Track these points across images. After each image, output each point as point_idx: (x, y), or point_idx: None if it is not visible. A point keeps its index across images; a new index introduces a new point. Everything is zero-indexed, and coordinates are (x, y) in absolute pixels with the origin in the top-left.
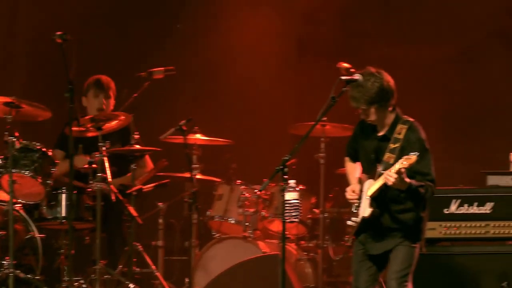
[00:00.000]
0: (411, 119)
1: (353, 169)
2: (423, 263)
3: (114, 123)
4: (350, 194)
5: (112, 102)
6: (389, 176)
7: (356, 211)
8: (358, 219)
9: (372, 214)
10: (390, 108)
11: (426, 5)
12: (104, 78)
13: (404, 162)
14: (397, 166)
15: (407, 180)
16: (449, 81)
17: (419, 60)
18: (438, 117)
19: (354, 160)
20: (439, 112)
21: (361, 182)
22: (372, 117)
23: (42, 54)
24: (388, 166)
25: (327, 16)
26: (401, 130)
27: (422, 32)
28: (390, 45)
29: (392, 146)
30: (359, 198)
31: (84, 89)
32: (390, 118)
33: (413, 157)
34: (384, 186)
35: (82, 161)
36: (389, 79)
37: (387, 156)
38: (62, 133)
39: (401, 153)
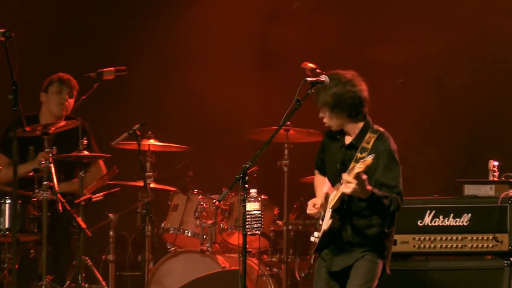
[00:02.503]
0: (381, 129)
1: (321, 183)
2: (395, 279)
3: (62, 123)
4: (310, 208)
5: (72, 103)
6: (348, 182)
7: (319, 226)
8: (319, 234)
9: (332, 226)
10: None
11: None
12: (69, 76)
13: (361, 166)
14: (355, 170)
15: (369, 187)
16: (423, 86)
17: (393, 61)
18: (411, 122)
19: (323, 173)
20: (413, 117)
21: (327, 197)
22: (329, 121)
23: None
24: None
25: (294, 15)
26: (370, 139)
27: (396, 33)
28: (363, 46)
29: (359, 155)
30: (324, 212)
31: (44, 85)
32: (358, 126)
33: (369, 159)
34: (347, 198)
35: (29, 168)
36: (355, 89)
37: (353, 165)
38: (6, 136)
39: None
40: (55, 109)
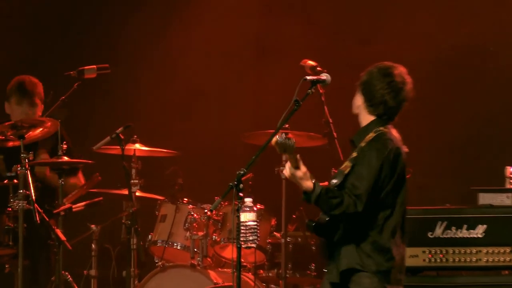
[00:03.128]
0: (385, 129)
1: None
2: None
3: (38, 131)
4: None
5: (39, 109)
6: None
7: None
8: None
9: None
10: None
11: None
12: (29, 81)
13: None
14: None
15: (308, 182)
16: (435, 90)
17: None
18: (422, 126)
19: None
20: (423, 121)
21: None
22: (355, 101)
23: None
24: (341, 177)
25: (289, 11)
26: (368, 139)
27: (399, 31)
28: (362, 44)
29: (353, 154)
30: None
31: (6, 94)
32: (366, 121)
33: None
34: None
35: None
36: (399, 92)
37: (345, 165)
38: None
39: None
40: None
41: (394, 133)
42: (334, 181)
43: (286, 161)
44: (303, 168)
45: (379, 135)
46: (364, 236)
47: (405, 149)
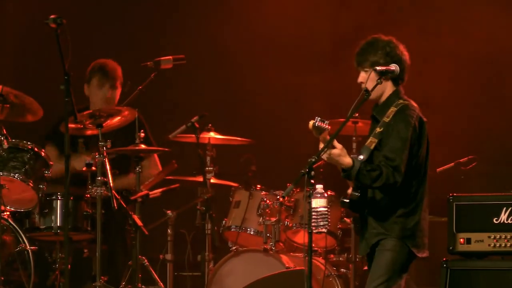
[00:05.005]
0: (405, 101)
1: None
2: (470, 280)
3: (116, 119)
4: None
5: (118, 92)
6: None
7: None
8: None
9: (351, 198)
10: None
11: None
12: (111, 64)
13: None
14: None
15: (346, 159)
16: (504, 79)
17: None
18: (490, 114)
19: None
20: (491, 110)
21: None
22: (369, 84)
23: (34, 41)
24: (367, 152)
25: (361, 2)
26: (390, 114)
27: (461, 26)
28: (433, 36)
29: (378, 130)
30: None
31: (86, 76)
32: (385, 96)
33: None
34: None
35: (81, 162)
36: (402, 50)
37: (370, 140)
38: (56, 125)
39: (382, 139)
40: (99, 105)
41: (413, 103)
42: (361, 157)
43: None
44: (338, 146)
45: (402, 108)
46: (396, 205)
47: (424, 118)
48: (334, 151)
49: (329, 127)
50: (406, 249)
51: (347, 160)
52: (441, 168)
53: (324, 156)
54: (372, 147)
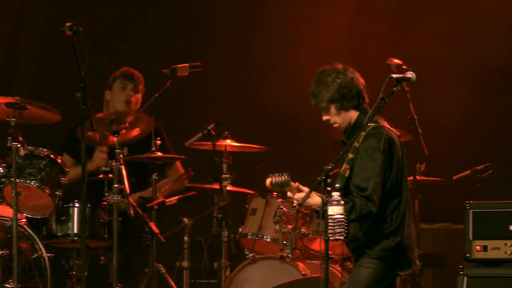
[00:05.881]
0: (373, 122)
1: None
2: (485, 287)
3: (135, 130)
4: None
5: (139, 99)
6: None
7: None
8: None
9: None
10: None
11: None
12: (134, 70)
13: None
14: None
15: (314, 201)
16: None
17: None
18: (505, 122)
19: None
20: (506, 118)
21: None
22: (334, 118)
23: (51, 48)
24: (342, 180)
25: (381, 9)
26: (360, 138)
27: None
28: (449, 43)
29: (350, 156)
30: None
31: (109, 82)
32: (349, 121)
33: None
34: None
35: (100, 160)
36: (355, 77)
37: (344, 167)
38: (72, 134)
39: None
40: (120, 107)
41: (381, 121)
42: (337, 185)
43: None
44: (305, 189)
45: (369, 133)
46: (374, 228)
47: (396, 132)
48: (298, 195)
49: (287, 176)
50: (384, 267)
51: (316, 200)
52: (457, 176)
53: (296, 204)
54: (347, 174)
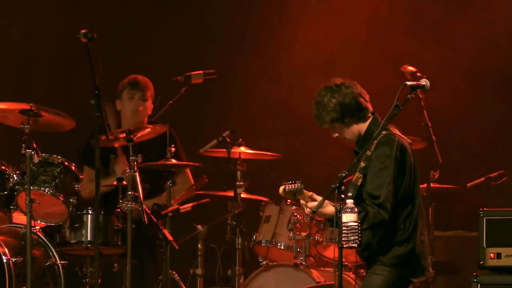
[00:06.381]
0: (387, 131)
1: None
2: None
3: (146, 131)
4: None
5: (149, 105)
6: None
7: None
8: None
9: None
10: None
11: None
12: (141, 77)
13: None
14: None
15: (327, 210)
16: None
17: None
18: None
19: None
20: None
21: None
22: (343, 135)
23: (65, 55)
24: (355, 188)
25: (392, 16)
26: (372, 147)
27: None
28: (463, 50)
29: (362, 164)
30: None
31: (118, 91)
32: (360, 132)
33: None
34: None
35: (121, 166)
36: (350, 91)
37: (356, 176)
38: (88, 146)
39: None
40: (130, 116)
41: (392, 129)
42: (349, 194)
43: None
44: (318, 198)
45: (381, 141)
46: (388, 236)
47: (407, 140)
48: (311, 203)
49: (300, 184)
50: (397, 274)
51: (329, 209)
52: (471, 183)
53: (307, 212)
54: (359, 183)
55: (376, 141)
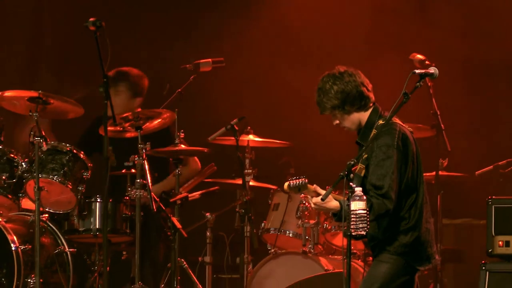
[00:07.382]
0: (382, 121)
1: None
2: (507, 282)
3: (155, 122)
4: None
5: (126, 98)
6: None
7: None
8: None
9: None
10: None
11: None
12: (116, 70)
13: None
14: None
15: (331, 204)
16: None
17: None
18: None
19: None
20: None
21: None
22: (344, 123)
23: (73, 44)
24: (359, 179)
25: (402, 7)
26: (373, 137)
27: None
28: (470, 40)
29: (364, 155)
30: None
31: None
32: (361, 121)
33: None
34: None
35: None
36: (352, 79)
37: (359, 167)
38: (89, 130)
39: (369, 164)
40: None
41: (394, 118)
42: (353, 185)
43: (307, 197)
44: (322, 192)
45: (383, 130)
46: (393, 225)
47: (409, 128)
48: (316, 198)
49: (305, 179)
50: (403, 262)
51: (334, 204)
52: (480, 171)
53: (312, 206)
54: (362, 174)
55: (376, 131)
